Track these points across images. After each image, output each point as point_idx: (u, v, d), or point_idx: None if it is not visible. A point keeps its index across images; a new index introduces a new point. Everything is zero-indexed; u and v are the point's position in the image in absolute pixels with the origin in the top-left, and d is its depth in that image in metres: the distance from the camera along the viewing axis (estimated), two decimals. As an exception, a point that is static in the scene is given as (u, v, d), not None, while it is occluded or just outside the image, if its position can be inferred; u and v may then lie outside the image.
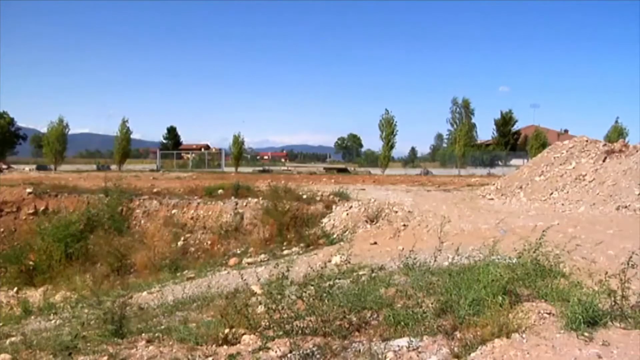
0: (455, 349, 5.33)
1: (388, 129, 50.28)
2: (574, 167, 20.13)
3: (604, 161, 19.76)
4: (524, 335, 5.38)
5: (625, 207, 15.91)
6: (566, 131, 76.53)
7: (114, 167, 49.60)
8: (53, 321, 11.64)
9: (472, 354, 5.12)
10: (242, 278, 8.55)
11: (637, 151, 19.81)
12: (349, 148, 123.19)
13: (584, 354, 4.87)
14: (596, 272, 7.56)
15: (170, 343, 6.24)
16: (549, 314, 6.05)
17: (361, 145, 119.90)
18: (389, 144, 50.68)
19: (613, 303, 5.85)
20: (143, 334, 6.81)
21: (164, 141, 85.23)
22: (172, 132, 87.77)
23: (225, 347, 5.99)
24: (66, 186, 25.02)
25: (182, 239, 20.81)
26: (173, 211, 22.30)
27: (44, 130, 54.26)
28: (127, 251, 19.67)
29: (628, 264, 6.04)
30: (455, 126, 72.40)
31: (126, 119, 51.77)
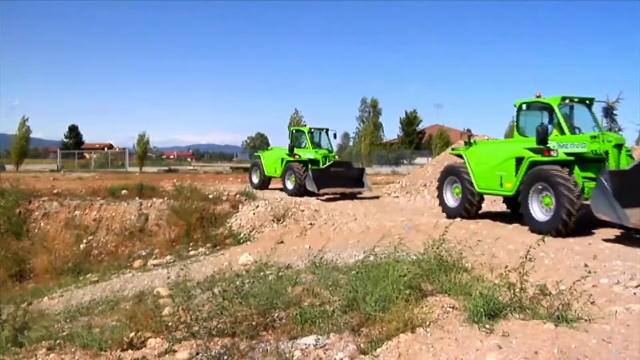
0: (362, 345, 5.39)
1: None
2: (475, 165, 20.65)
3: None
4: (428, 330, 5.49)
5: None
6: (469, 130, 78.36)
7: (9, 167, 47.53)
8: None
9: (378, 350, 5.18)
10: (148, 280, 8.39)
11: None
12: (257, 147, 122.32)
13: (485, 345, 5.01)
14: (497, 267, 7.83)
15: (73, 350, 6.01)
16: (452, 307, 6.21)
17: (268, 145, 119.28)
18: (295, 144, 50.77)
19: (512, 295, 6.06)
20: (43, 342, 6.53)
21: (65, 140, 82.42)
22: (73, 131, 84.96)
23: (130, 351, 5.85)
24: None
25: (85, 241, 20.09)
26: (75, 213, 21.45)
27: None
28: (26, 255, 18.86)
29: (526, 257, 6.27)
30: (363, 124, 73.21)
31: (26, 117, 49.82)
